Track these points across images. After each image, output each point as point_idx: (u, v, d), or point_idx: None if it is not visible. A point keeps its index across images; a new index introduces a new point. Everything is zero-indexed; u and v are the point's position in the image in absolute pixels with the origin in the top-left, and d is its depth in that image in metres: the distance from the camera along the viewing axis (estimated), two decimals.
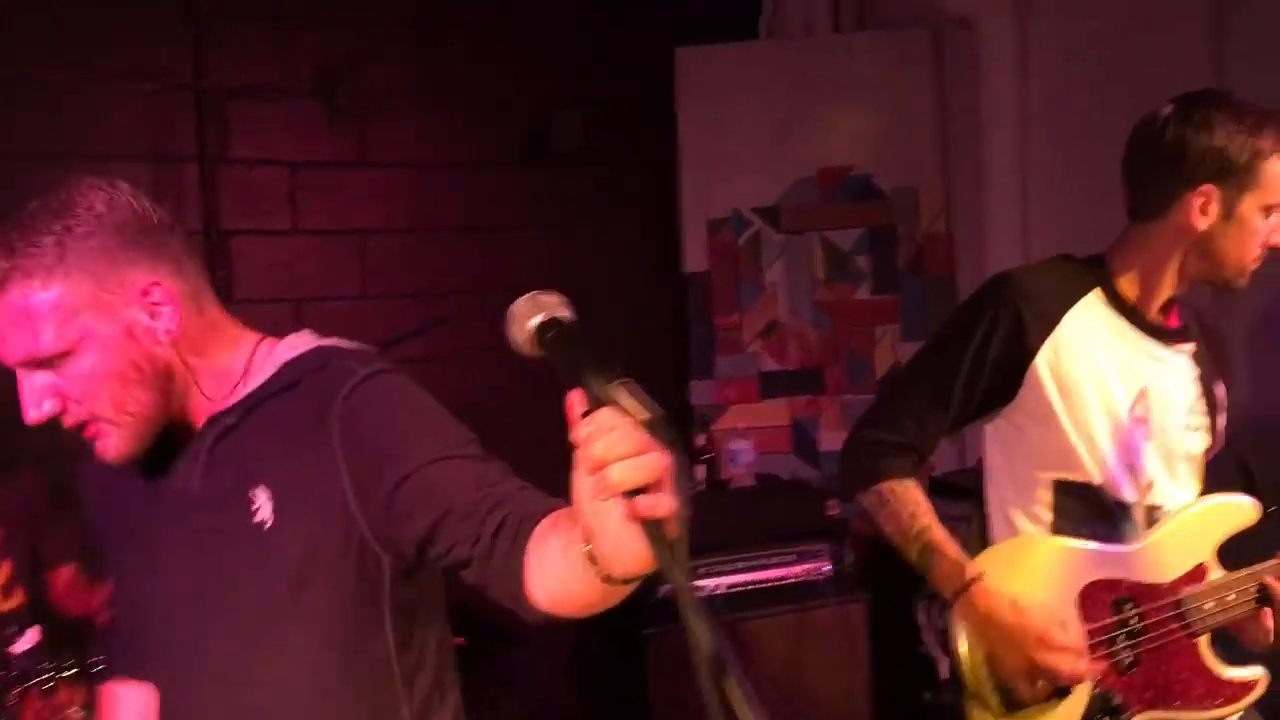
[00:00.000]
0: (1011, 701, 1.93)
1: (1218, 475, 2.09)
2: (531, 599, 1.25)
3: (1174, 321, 2.03)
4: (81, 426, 1.38)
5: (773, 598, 3.41)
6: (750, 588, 3.39)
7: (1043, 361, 1.93)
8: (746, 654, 3.22)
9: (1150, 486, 1.98)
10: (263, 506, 1.39)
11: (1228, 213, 1.90)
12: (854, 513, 4.00)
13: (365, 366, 1.43)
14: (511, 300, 1.08)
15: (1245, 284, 1.97)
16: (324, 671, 1.40)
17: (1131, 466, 1.97)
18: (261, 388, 1.45)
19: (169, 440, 1.45)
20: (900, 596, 3.72)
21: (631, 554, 1.00)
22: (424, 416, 1.41)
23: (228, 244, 3.44)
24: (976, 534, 2.11)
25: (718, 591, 3.34)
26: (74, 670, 2.79)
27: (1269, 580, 1.98)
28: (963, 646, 1.96)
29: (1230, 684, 1.98)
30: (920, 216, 4.23)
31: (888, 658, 3.54)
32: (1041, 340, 1.93)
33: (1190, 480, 2.05)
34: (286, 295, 3.45)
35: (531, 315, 1.06)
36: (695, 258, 4.26)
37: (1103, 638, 1.94)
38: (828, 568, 3.52)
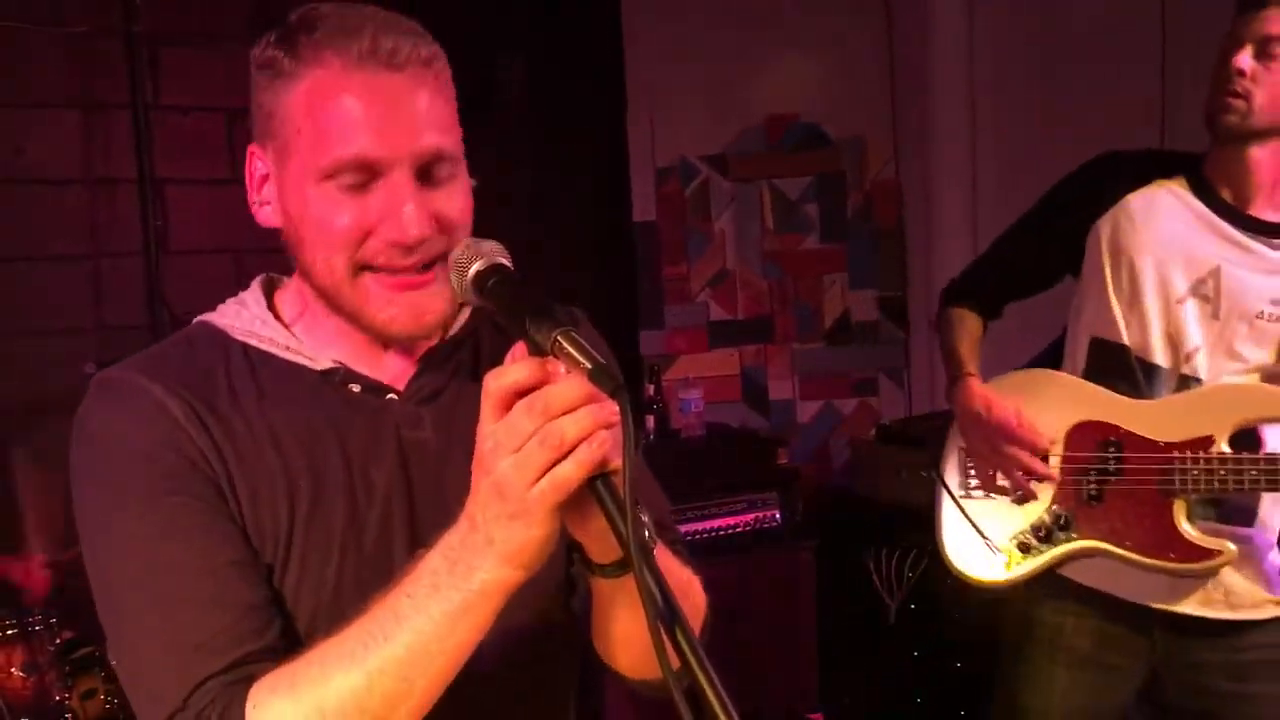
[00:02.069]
0: (973, 489, 2.18)
1: None
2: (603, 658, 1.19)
3: (1272, 218, 2.02)
4: (420, 268, 1.10)
5: (722, 546, 3.42)
6: (700, 537, 3.40)
7: (1103, 227, 2.08)
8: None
9: (1191, 358, 2.04)
10: None
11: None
12: (802, 461, 4.05)
13: (564, 308, 1.26)
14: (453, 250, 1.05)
15: (1227, 109, 1.97)
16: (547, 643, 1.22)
17: (1173, 336, 2.05)
18: (474, 316, 1.23)
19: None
20: (848, 545, 3.78)
21: (593, 509, 0.94)
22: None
23: (163, 193, 3.36)
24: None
25: None
26: (13, 630, 2.75)
27: None
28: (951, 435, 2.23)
29: (1189, 544, 2.01)
30: (868, 164, 4.23)
31: (835, 605, 3.59)
32: (1106, 208, 2.08)
33: (1249, 365, 2.03)
34: (226, 246, 3.37)
35: (471, 262, 1.02)
36: (643, 207, 4.22)
37: (1076, 467, 2.09)
38: (777, 516, 3.54)
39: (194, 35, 3.38)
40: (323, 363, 1.17)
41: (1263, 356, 2.03)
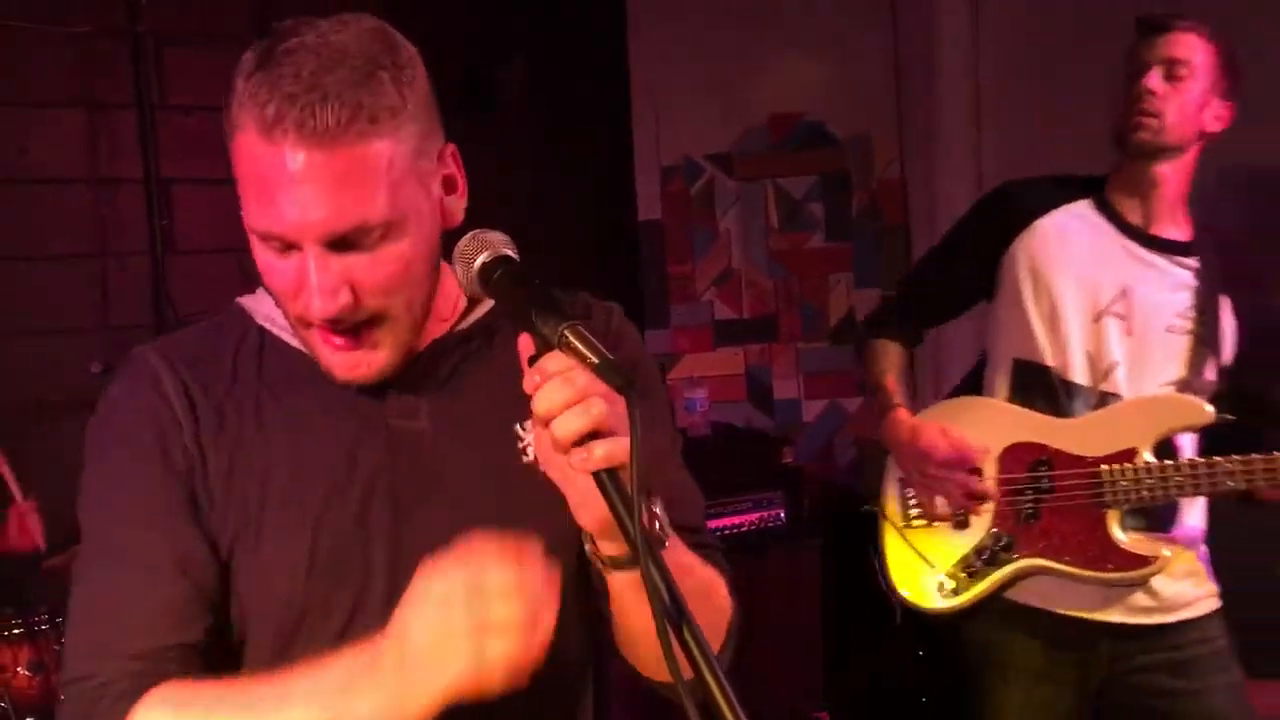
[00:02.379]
0: (912, 518, 2.23)
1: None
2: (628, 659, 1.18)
3: (1177, 235, 2.15)
4: (346, 330, 1.08)
5: (727, 546, 3.40)
6: None
7: (1017, 251, 2.16)
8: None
9: (1109, 374, 2.11)
10: (532, 444, 1.13)
11: None
12: (807, 460, 4.04)
13: (602, 303, 1.26)
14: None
15: (1140, 127, 2.08)
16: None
17: (1092, 354, 2.12)
18: (495, 309, 1.18)
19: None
20: (854, 544, 3.76)
21: (599, 506, 0.94)
22: (660, 385, 1.26)
23: (169, 193, 3.36)
24: None
25: None
26: (18, 630, 2.75)
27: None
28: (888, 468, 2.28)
29: (1126, 553, 2.08)
30: (874, 163, 4.22)
31: (841, 604, 3.58)
32: (1017, 233, 2.17)
33: (1165, 379, 2.12)
34: (231, 245, 3.37)
35: (476, 254, 1.02)
36: (648, 206, 4.22)
37: (1011, 488, 2.16)
38: (782, 516, 3.53)
39: (198, 34, 3.38)
40: None
41: (1176, 369, 2.11)
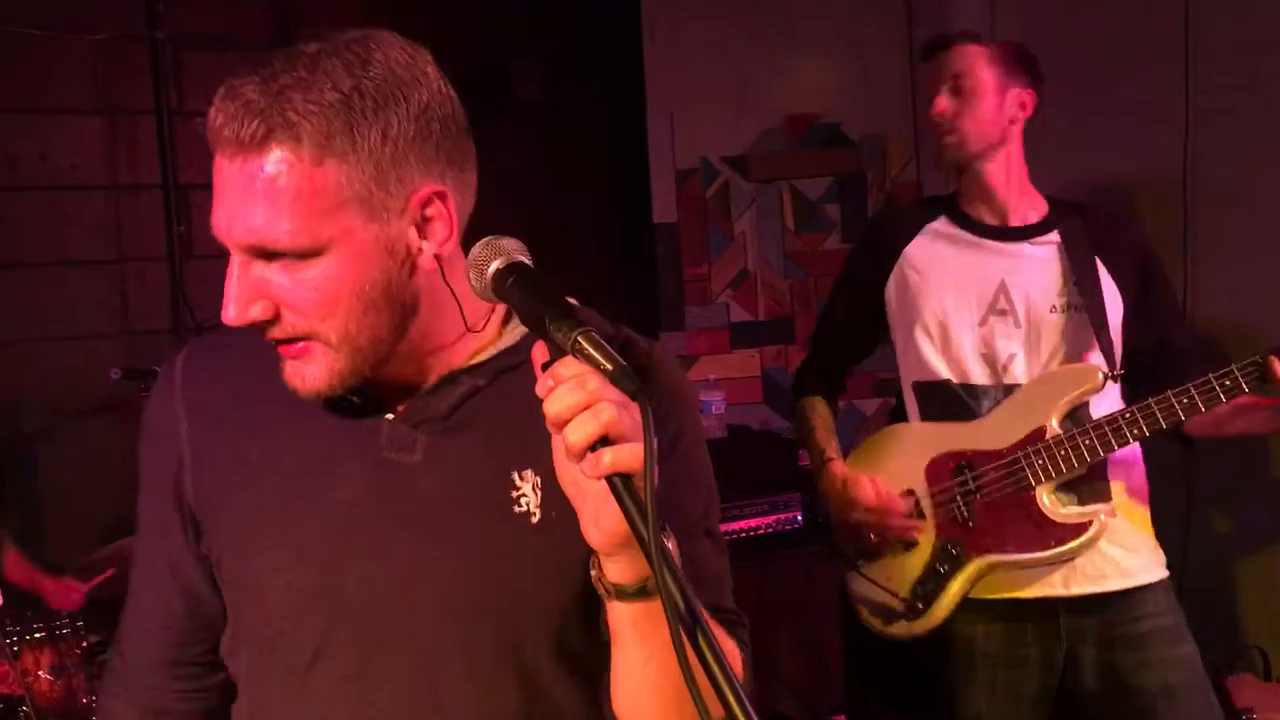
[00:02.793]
0: (867, 555, 2.30)
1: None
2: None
3: (1031, 218, 2.25)
4: (280, 342, 1.08)
5: (744, 548, 3.41)
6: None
7: (892, 286, 2.30)
8: None
9: (1008, 368, 2.20)
10: (527, 495, 1.12)
11: None
12: None
13: (645, 341, 1.21)
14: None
15: (944, 148, 2.24)
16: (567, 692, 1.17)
17: (986, 355, 2.22)
18: (515, 348, 1.15)
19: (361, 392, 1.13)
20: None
21: (610, 518, 0.94)
22: (702, 448, 1.22)
23: (187, 198, 3.38)
24: None
25: None
26: (40, 633, 2.77)
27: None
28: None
29: (1061, 526, 2.15)
30: (889, 164, 4.21)
31: None
32: (889, 271, 2.30)
33: (1061, 357, 2.20)
34: None
35: (490, 260, 1.00)
36: (663, 208, 4.21)
37: (943, 499, 2.25)
38: (799, 518, 3.52)
39: (216, 40, 3.40)
40: None
41: (1070, 346, 2.19)
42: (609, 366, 0.90)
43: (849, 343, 2.45)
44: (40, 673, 2.74)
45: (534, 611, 1.12)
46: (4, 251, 3.24)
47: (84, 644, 2.82)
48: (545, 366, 0.94)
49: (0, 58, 3.16)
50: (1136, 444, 2.14)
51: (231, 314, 1.05)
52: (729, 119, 4.17)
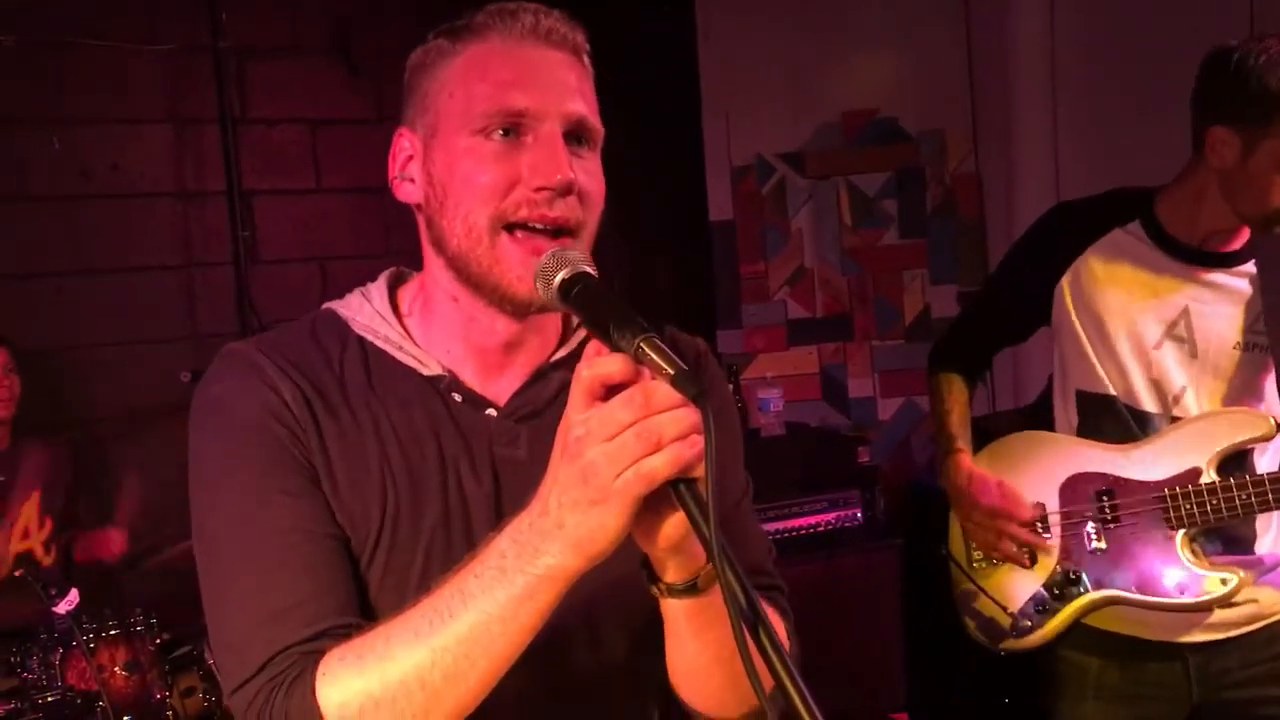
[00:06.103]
0: (982, 564, 2.21)
1: None
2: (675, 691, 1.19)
3: (1230, 247, 2.03)
4: (550, 228, 1.11)
5: (804, 545, 3.41)
6: (781, 536, 3.39)
7: (1066, 285, 2.10)
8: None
9: (1179, 399, 2.05)
10: None
11: (1245, 155, 1.90)
12: (883, 459, 4.02)
13: (688, 336, 1.29)
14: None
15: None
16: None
17: (1157, 381, 2.06)
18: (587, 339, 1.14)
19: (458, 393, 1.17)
20: (932, 543, 3.73)
21: (669, 522, 0.96)
22: (736, 416, 1.35)
23: (251, 204, 3.45)
24: None
25: None
26: (115, 630, 2.85)
27: None
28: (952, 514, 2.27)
29: (1197, 578, 2.01)
30: (948, 158, 4.18)
31: (920, 605, 3.55)
32: (1066, 265, 2.10)
33: (1240, 396, 2.05)
34: (312, 254, 3.45)
35: (557, 271, 1.04)
36: (720, 206, 4.22)
37: (1074, 521, 2.12)
38: (859, 515, 3.52)
39: (278, 50, 3.46)
40: (431, 368, 1.18)
41: (1246, 386, 2.04)
42: (670, 371, 0.92)
43: (1005, 328, 2.28)
44: (115, 669, 2.82)
45: (629, 589, 1.11)
46: (79, 259, 3.33)
47: (158, 641, 2.89)
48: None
49: (72, 72, 3.24)
50: None
51: (561, 175, 1.10)
52: (785, 116, 4.17)
